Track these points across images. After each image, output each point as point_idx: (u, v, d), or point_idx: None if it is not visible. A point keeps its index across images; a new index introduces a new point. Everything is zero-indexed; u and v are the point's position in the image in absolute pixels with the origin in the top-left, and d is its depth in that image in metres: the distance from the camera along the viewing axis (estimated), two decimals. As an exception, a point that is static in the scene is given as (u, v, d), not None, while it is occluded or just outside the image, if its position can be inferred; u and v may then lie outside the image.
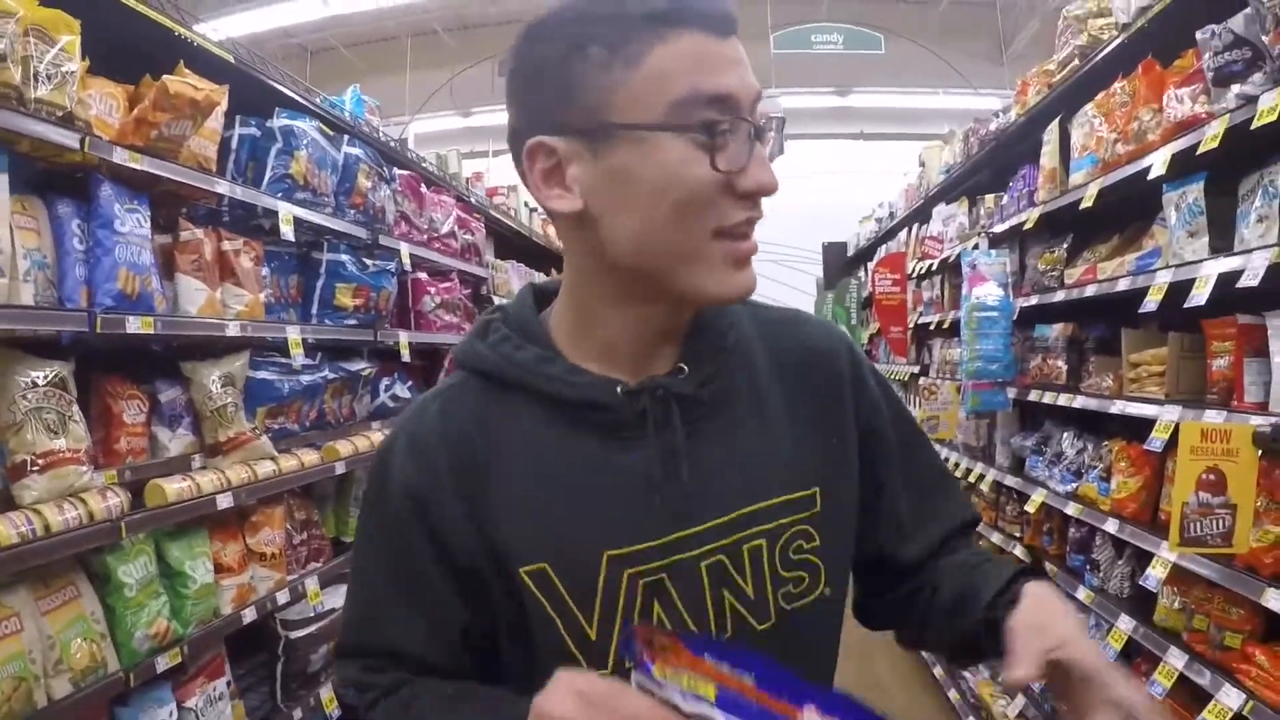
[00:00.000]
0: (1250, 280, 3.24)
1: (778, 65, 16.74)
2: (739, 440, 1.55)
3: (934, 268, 8.04)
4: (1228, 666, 3.54)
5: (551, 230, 12.40)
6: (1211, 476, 3.02)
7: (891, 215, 11.23)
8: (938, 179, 8.66)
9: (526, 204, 11.28)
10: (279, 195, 4.57)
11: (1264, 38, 3.24)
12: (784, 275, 18.77)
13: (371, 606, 1.61)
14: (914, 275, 8.95)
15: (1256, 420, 3.22)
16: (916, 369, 8.94)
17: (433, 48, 20.95)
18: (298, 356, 4.66)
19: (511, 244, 10.48)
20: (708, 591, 1.50)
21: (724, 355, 1.57)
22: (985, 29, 19.13)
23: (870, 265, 11.05)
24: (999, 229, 6.08)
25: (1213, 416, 3.46)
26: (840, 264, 14.26)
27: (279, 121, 4.66)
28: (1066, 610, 1.39)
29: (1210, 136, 3.50)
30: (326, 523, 5.44)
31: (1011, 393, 5.66)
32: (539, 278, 10.12)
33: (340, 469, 5.03)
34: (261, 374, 4.52)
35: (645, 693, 1.20)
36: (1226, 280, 3.36)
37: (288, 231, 4.52)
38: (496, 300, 8.38)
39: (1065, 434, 5.26)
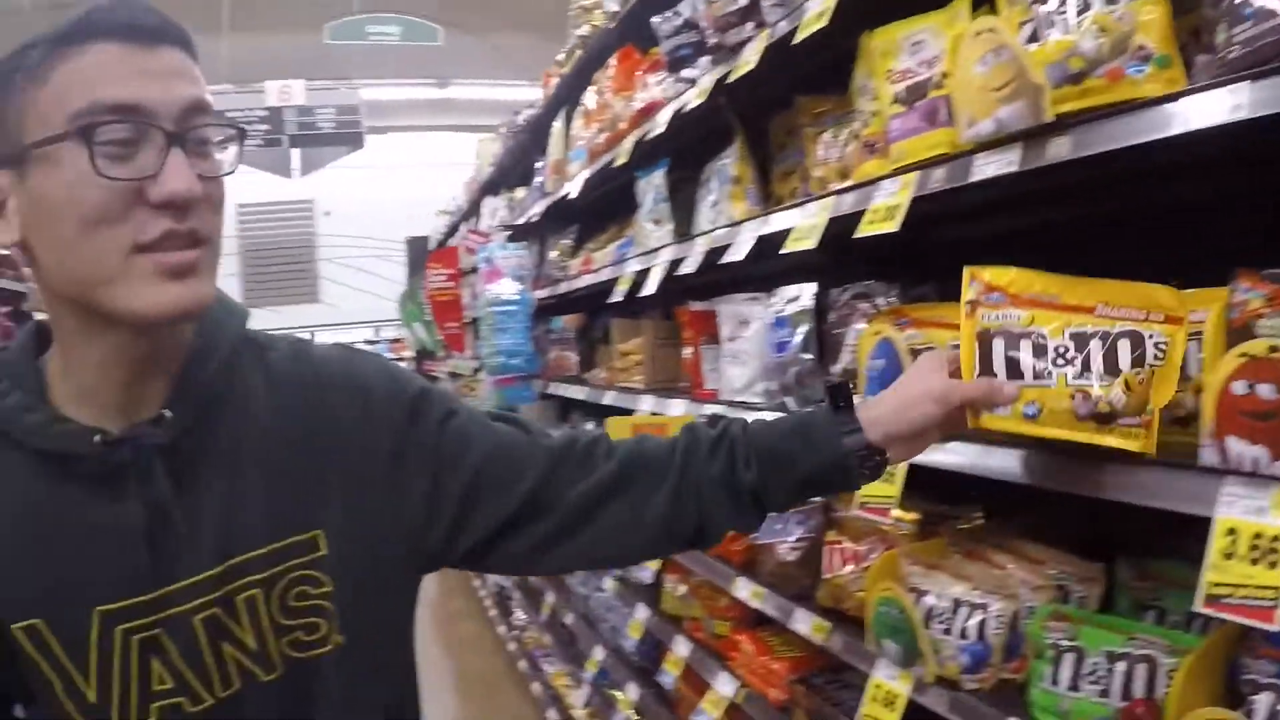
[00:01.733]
0: (689, 268, 3.29)
1: (370, 56, 16.57)
2: (229, 488, 1.46)
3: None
4: (721, 653, 3.61)
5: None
6: None
7: (459, 209, 11.27)
8: (488, 171, 8.73)
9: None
10: None
11: (703, 21, 3.28)
12: (385, 269, 18.74)
13: None
14: (467, 270, 8.96)
15: (700, 409, 3.28)
16: (477, 364, 8.88)
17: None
18: None
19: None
20: (205, 646, 1.43)
21: (211, 400, 1.47)
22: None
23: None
24: (519, 222, 6.13)
25: (676, 405, 3.52)
26: (422, 258, 14.20)
27: None
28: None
29: (661, 122, 3.56)
30: None
31: (537, 386, 5.70)
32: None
33: None
34: None
35: None
36: (714, 265, 3.37)
37: None
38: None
39: (588, 425, 5.30)
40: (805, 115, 3.05)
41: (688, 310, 3.64)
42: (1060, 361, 1.72)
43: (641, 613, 4.29)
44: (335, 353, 1.66)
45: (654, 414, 3.28)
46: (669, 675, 3.93)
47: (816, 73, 2.95)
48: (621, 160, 3.95)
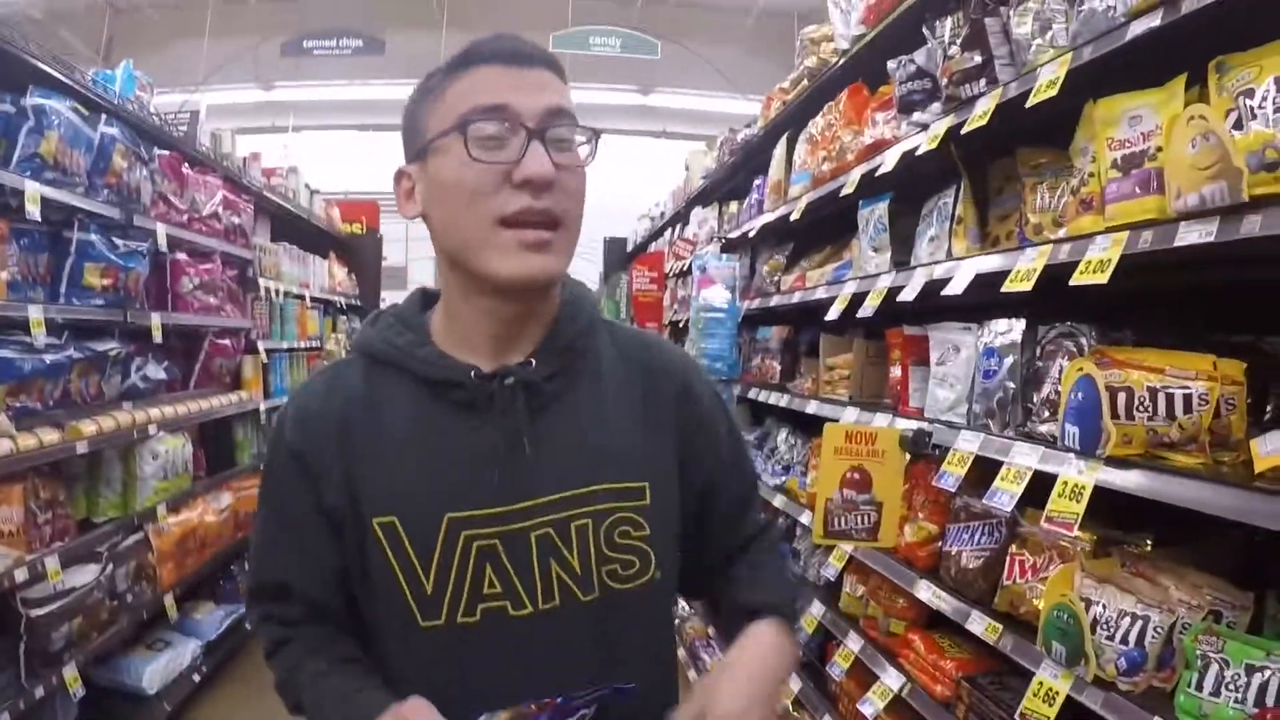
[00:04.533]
0: (908, 296, 3.54)
1: (589, 64, 16.88)
2: (577, 429, 1.78)
3: (686, 268, 8.23)
4: (892, 651, 3.88)
5: (334, 213, 12.35)
6: (856, 475, 3.25)
7: (663, 215, 11.42)
8: (699, 182, 8.91)
9: (307, 185, 11.20)
10: (27, 174, 4.58)
11: (938, 71, 3.53)
12: (578, 267, 18.84)
13: (265, 548, 1.88)
14: (671, 274, 9.21)
15: (904, 424, 3.54)
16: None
17: (239, 15, 20.48)
18: (39, 335, 4.68)
19: (290, 226, 10.38)
20: (535, 561, 1.70)
21: (571, 355, 1.82)
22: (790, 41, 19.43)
23: (637, 262, 11.25)
24: (733, 235, 6.35)
25: (880, 419, 3.79)
26: (620, 259, 14.39)
27: (31, 100, 4.67)
28: (749, 668, 1.70)
29: (890, 160, 3.80)
30: (75, 502, 5.40)
31: (736, 390, 5.96)
32: (313, 259, 10.14)
33: (83, 448, 5.01)
34: (2, 352, 4.55)
35: None
36: (926, 293, 3.62)
37: (34, 210, 4.54)
38: (263, 283, 8.36)
39: (783, 431, 5.57)
40: (1025, 165, 3.25)
41: (900, 333, 3.86)
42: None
43: (817, 609, 4.54)
44: (660, 336, 2.08)
45: (858, 424, 3.52)
46: (839, 666, 4.18)
47: (1035, 127, 3.16)
48: (848, 190, 4.20)
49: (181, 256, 6.60)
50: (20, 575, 4.51)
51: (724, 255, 6.15)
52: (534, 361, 1.76)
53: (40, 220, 4.70)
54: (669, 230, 10.53)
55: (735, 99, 19.59)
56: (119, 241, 5.44)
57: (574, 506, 1.73)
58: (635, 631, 1.80)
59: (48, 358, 4.88)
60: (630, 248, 14.00)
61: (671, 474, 1.87)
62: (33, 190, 4.56)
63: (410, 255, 22.87)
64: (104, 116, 5.32)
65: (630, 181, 17.07)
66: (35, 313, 4.66)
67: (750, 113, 8.22)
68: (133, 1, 20.04)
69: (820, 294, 4.64)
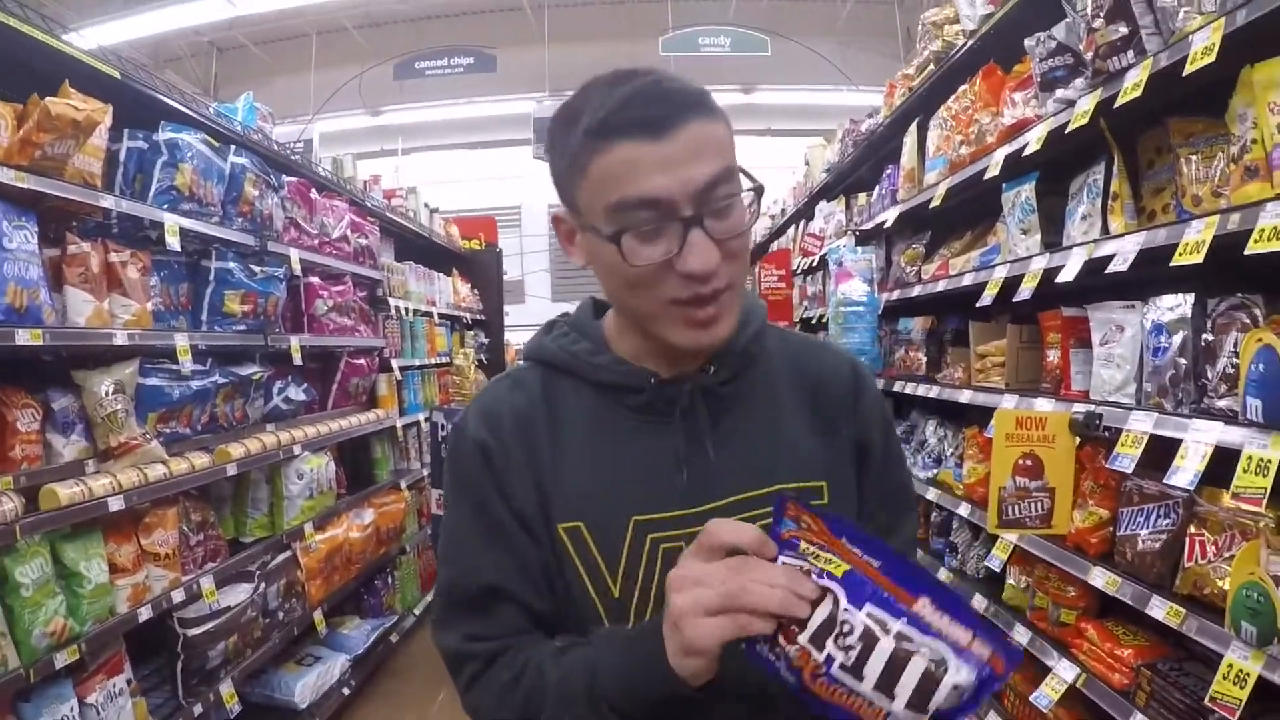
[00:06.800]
0: (1067, 276, 3.47)
1: (687, 67, 16.89)
2: (755, 432, 1.77)
3: (814, 264, 8.22)
4: (1064, 641, 3.80)
5: (454, 230, 12.48)
6: (1028, 461, 3.18)
7: (783, 212, 11.37)
8: (820, 177, 8.84)
9: (426, 205, 11.35)
10: (164, 206, 4.68)
11: (1080, 45, 3.46)
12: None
13: (465, 553, 1.75)
14: (798, 271, 9.12)
15: (1077, 407, 3.46)
16: (804, 362, 9.00)
17: (341, 44, 20.79)
18: (185, 362, 4.78)
19: (412, 245, 10.58)
20: None
21: (747, 360, 1.80)
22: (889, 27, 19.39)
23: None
24: (867, 226, 6.28)
25: (1042, 404, 3.71)
26: (740, 261, 14.28)
27: (164, 135, 4.76)
28: None
29: (1035, 139, 3.72)
30: (224, 524, 5.53)
31: (880, 384, 5.84)
32: (438, 276, 10.27)
33: (232, 470, 5.13)
34: (151, 380, 4.64)
35: (785, 561, 1.36)
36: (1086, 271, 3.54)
37: (173, 242, 4.63)
38: (392, 302, 8.49)
39: (930, 423, 5.49)
40: (1178, 135, 3.17)
41: (1058, 315, 3.78)
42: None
43: (979, 602, 4.46)
44: (817, 341, 2.01)
45: (1021, 413, 3.45)
46: None
47: (1181, 97, 3.10)
48: (992, 173, 4.12)
49: (315, 280, 6.70)
50: (177, 596, 4.66)
51: (859, 248, 6.08)
52: (713, 367, 1.74)
53: (179, 251, 4.79)
54: (791, 227, 10.46)
55: (841, 90, 19.44)
56: (255, 268, 5.54)
57: (756, 507, 1.70)
58: None
59: (194, 384, 4.98)
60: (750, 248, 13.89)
61: (849, 475, 1.85)
62: (171, 222, 4.67)
63: (525, 269, 22.93)
64: (232, 147, 5.42)
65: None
66: (181, 340, 4.77)
67: (856, 104, 8.16)
68: (235, 40, 20.40)
69: (967, 280, 4.56)
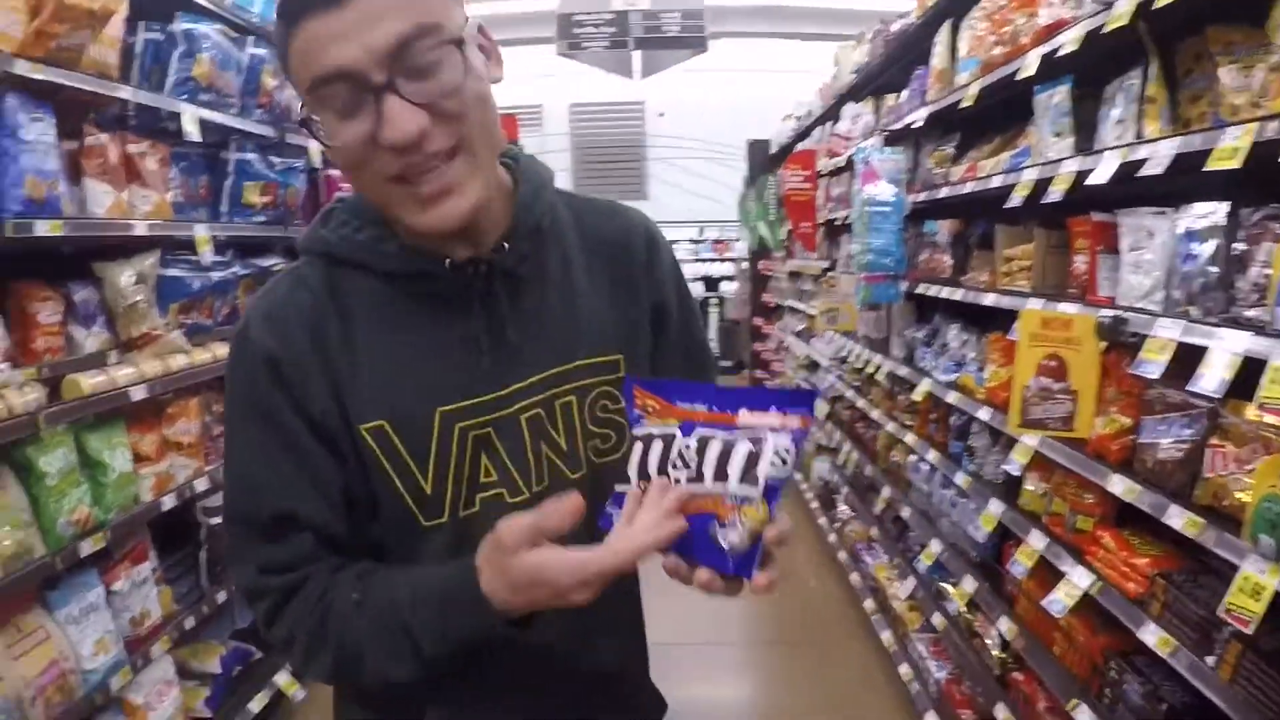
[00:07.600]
0: (1099, 179, 3.41)
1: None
2: (551, 309, 1.75)
3: (842, 165, 8.10)
4: (1079, 548, 3.78)
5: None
6: (1053, 363, 3.17)
7: (809, 114, 11.19)
8: (849, 78, 8.71)
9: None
10: (183, 98, 4.65)
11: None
12: (715, 172, 18.76)
13: (254, 476, 1.63)
14: (824, 173, 9.05)
15: (1104, 311, 3.43)
16: (827, 264, 9.07)
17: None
18: (206, 254, 4.79)
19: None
20: (528, 444, 1.70)
21: (539, 236, 1.76)
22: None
23: (786, 162, 11.11)
24: (895, 127, 6.20)
25: (1067, 309, 3.66)
26: (763, 161, 14.23)
27: (180, 25, 4.70)
28: None
29: (1071, 40, 3.64)
30: (244, 415, 5.52)
31: (903, 286, 5.86)
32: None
33: (254, 360, 5.11)
34: (172, 272, 4.64)
35: (636, 439, 1.51)
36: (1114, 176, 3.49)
37: (193, 132, 4.60)
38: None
39: (953, 327, 5.45)
40: (1216, 43, 3.10)
41: (1087, 220, 3.72)
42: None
43: (995, 507, 4.45)
44: (608, 203, 1.99)
45: (1048, 314, 3.42)
46: (1021, 565, 4.08)
47: (1226, 2, 3.04)
48: (1026, 74, 4.03)
49: (334, 173, 6.63)
50: (201, 485, 4.74)
51: (887, 148, 6.00)
52: (506, 246, 1.69)
53: (199, 141, 4.76)
54: (817, 129, 10.36)
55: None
56: (275, 159, 5.54)
57: (558, 385, 1.73)
58: None
59: (215, 275, 5.00)
60: (774, 149, 13.81)
61: (644, 343, 1.87)
62: (190, 113, 4.64)
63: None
64: (250, 39, 5.37)
65: (767, 85, 16.85)
66: (202, 231, 4.78)
67: (888, 8, 8.05)
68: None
69: (996, 182, 4.49)
